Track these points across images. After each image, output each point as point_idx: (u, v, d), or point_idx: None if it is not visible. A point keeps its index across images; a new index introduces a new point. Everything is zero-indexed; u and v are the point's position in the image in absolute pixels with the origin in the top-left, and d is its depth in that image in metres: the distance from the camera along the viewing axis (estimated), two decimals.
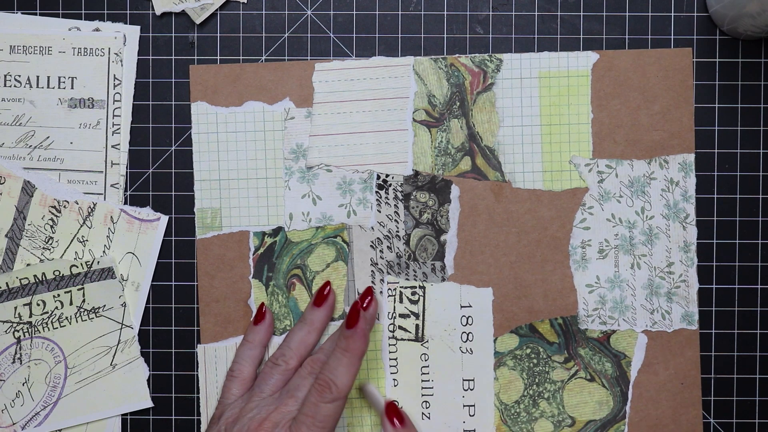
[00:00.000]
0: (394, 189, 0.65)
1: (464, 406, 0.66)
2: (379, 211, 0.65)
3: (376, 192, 0.65)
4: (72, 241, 0.65)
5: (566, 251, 0.65)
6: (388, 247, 0.65)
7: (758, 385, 0.66)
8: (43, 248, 0.65)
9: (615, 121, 0.65)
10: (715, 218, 0.66)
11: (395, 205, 0.65)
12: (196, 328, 0.66)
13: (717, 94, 0.65)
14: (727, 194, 0.66)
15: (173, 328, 0.66)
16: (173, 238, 0.66)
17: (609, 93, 0.65)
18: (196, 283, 0.66)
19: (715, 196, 0.65)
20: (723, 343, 0.66)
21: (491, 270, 0.65)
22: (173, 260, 0.66)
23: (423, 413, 0.65)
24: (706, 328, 0.66)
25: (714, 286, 0.66)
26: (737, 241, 0.65)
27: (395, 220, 0.65)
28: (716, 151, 0.65)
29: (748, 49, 0.66)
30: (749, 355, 0.66)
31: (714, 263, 0.66)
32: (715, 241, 0.66)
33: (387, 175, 0.65)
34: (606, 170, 0.65)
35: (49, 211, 0.65)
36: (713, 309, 0.66)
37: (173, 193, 0.66)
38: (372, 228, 0.65)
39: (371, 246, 0.65)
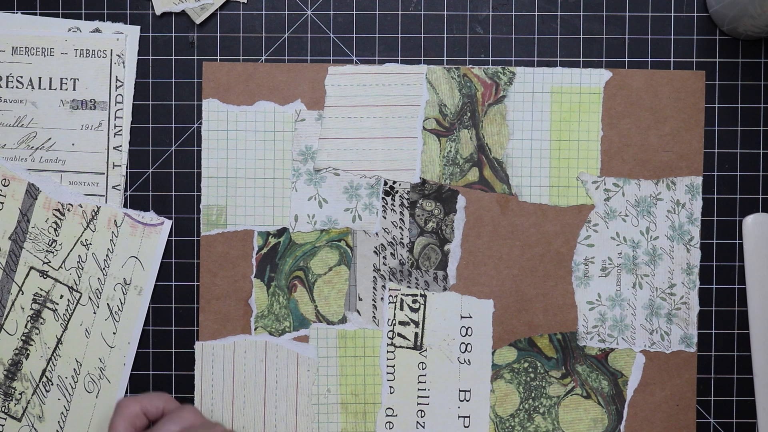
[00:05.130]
0: (400, 196, 0.65)
1: (459, 417, 0.66)
2: (385, 218, 0.65)
3: (383, 198, 0.65)
4: (75, 244, 0.65)
5: (569, 267, 0.65)
6: (391, 253, 0.65)
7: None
8: (47, 251, 0.65)
9: (624, 140, 0.65)
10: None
11: (401, 212, 0.65)
12: (195, 328, 0.66)
13: (717, 95, 0.66)
14: (727, 194, 0.66)
15: (173, 328, 0.66)
16: (173, 239, 0.66)
17: (620, 112, 0.65)
18: (196, 283, 0.66)
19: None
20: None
21: (493, 282, 0.65)
22: (173, 260, 0.66)
23: (418, 422, 0.65)
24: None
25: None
26: (737, 241, 0.66)
27: (400, 227, 0.65)
28: (716, 151, 0.66)
29: (748, 49, 0.66)
30: (749, 356, 0.66)
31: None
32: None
33: (394, 182, 0.65)
34: (613, 188, 0.65)
35: (53, 215, 0.65)
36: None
37: (173, 193, 0.66)
38: (376, 234, 0.65)
39: (375, 252, 0.65)
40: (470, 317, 0.65)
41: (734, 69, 0.66)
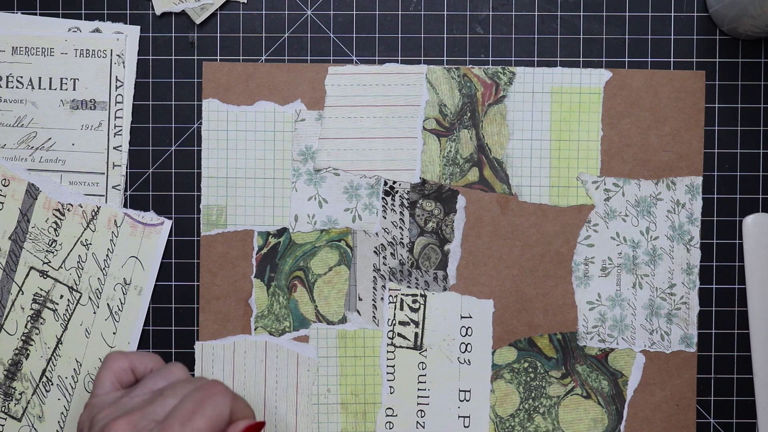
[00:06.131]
0: (400, 196, 0.65)
1: (459, 417, 0.66)
2: (385, 218, 0.65)
3: (383, 198, 0.65)
4: (75, 244, 0.65)
5: (569, 267, 0.65)
6: (391, 253, 0.65)
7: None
8: (47, 251, 0.65)
9: (624, 140, 0.65)
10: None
11: (401, 212, 0.65)
12: (195, 328, 0.66)
13: (717, 95, 0.66)
14: (727, 194, 0.66)
15: (173, 328, 0.66)
16: (173, 239, 0.66)
17: (620, 112, 0.65)
18: (196, 283, 0.66)
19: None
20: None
21: (493, 282, 0.65)
22: (173, 260, 0.66)
23: (418, 422, 0.65)
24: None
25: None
26: (737, 241, 0.66)
27: (400, 227, 0.65)
28: (716, 151, 0.66)
29: (748, 49, 0.66)
30: (749, 356, 0.66)
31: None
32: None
33: (394, 182, 0.65)
34: (613, 188, 0.65)
35: (53, 215, 0.65)
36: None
37: (173, 193, 0.66)
38: (376, 234, 0.65)
39: (375, 252, 0.65)
40: (470, 317, 0.65)
41: (734, 69, 0.66)
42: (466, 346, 0.66)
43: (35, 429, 0.65)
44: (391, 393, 0.66)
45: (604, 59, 0.66)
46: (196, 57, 0.66)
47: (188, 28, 0.66)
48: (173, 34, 0.66)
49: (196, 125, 0.66)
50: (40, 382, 0.65)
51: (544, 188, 0.65)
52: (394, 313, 0.66)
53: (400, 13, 0.66)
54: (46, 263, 0.65)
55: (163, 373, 0.57)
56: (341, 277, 0.66)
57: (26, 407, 0.65)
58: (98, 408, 0.55)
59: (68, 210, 0.65)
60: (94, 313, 0.65)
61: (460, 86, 0.65)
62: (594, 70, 0.65)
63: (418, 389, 0.66)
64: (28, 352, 0.65)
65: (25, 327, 0.65)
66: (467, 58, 0.66)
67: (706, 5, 0.66)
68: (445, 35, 0.66)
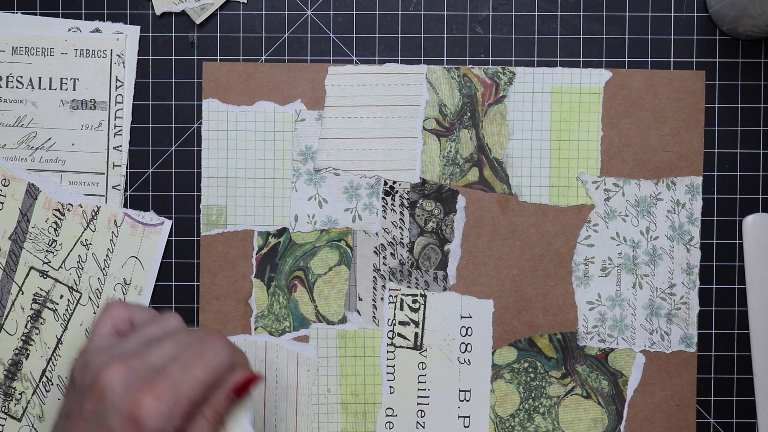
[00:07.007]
0: (400, 196, 0.65)
1: (459, 417, 0.66)
2: (385, 218, 0.65)
3: (383, 198, 0.65)
4: (75, 244, 0.65)
5: (569, 267, 0.65)
6: (391, 253, 0.65)
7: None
8: (47, 251, 0.65)
9: (624, 140, 0.65)
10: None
11: (401, 212, 0.65)
12: (195, 328, 0.66)
13: (717, 95, 0.66)
14: (727, 194, 0.66)
15: None
16: (173, 238, 0.66)
17: (620, 112, 0.65)
18: (196, 283, 0.66)
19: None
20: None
21: (493, 282, 0.65)
22: (173, 260, 0.66)
23: (418, 422, 0.65)
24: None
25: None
26: (737, 241, 0.66)
27: (400, 227, 0.65)
28: (716, 151, 0.66)
29: (748, 49, 0.66)
30: (749, 356, 0.66)
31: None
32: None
33: (394, 182, 0.65)
34: (613, 188, 0.65)
35: (53, 215, 0.65)
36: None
37: (173, 193, 0.66)
38: (376, 234, 0.65)
39: (375, 252, 0.65)
40: (470, 317, 0.65)
41: (734, 69, 0.66)
42: (466, 346, 0.66)
43: (35, 429, 0.65)
44: (391, 393, 0.66)
45: (604, 59, 0.66)
46: (196, 57, 0.66)
47: (188, 28, 0.66)
48: (173, 34, 0.66)
49: (196, 125, 0.66)
50: (40, 382, 0.65)
51: (544, 188, 0.65)
52: (394, 313, 0.66)
53: (400, 13, 0.66)
54: (46, 263, 0.65)
55: (159, 322, 0.55)
56: (341, 277, 0.66)
57: (26, 407, 0.65)
58: (93, 353, 0.53)
59: (68, 210, 0.65)
60: (94, 313, 0.65)
61: (460, 86, 0.65)
62: (594, 70, 0.65)
63: (418, 389, 0.66)
64: (28, 352, 0.65)
65: (25, 327, 0.65)
66: (467, 58, 0.66)
67: (706, 5, 0.66)
68: (445, 35, 0.66)
